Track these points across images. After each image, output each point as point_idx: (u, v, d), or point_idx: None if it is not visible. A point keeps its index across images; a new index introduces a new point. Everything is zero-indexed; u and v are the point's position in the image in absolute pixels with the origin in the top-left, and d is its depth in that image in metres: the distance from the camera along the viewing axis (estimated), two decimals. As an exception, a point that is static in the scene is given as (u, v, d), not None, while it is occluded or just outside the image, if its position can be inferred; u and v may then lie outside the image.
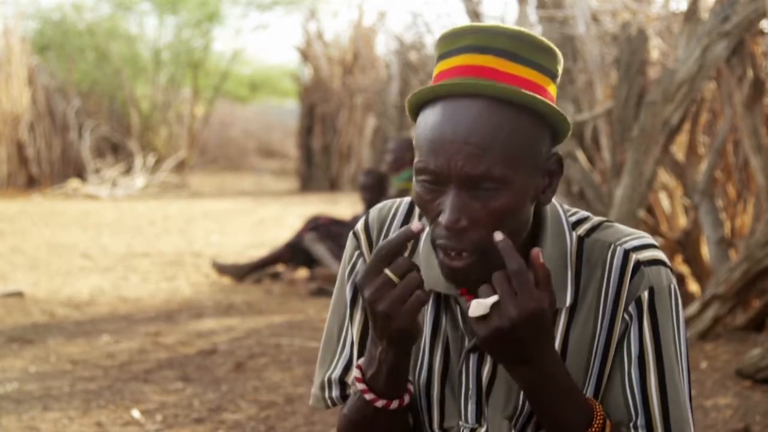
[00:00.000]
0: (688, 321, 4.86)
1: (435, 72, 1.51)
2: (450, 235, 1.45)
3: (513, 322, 1.41)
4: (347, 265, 1.68)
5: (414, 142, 1.49)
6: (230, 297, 6.82)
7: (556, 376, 1.46)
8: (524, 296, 1.41)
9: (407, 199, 1.68)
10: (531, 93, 1.44)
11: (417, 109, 1.51)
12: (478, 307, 1.43)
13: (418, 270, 1.46)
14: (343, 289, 1.68)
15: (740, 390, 4.13)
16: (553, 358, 1.46)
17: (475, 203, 1.44)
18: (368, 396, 1.52)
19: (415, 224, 1.45)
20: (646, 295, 1.54)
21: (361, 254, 1.66)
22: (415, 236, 1.46)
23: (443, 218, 1.44)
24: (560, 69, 1.51)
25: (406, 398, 1.55)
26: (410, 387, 1.56)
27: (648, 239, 1.58)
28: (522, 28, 1.48)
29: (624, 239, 1.56)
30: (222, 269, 7.52)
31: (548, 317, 1.43)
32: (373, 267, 1.45)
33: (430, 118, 1.46)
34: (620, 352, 1.54)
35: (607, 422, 1.50)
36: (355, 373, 1.55)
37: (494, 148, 1.42)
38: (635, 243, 1.56)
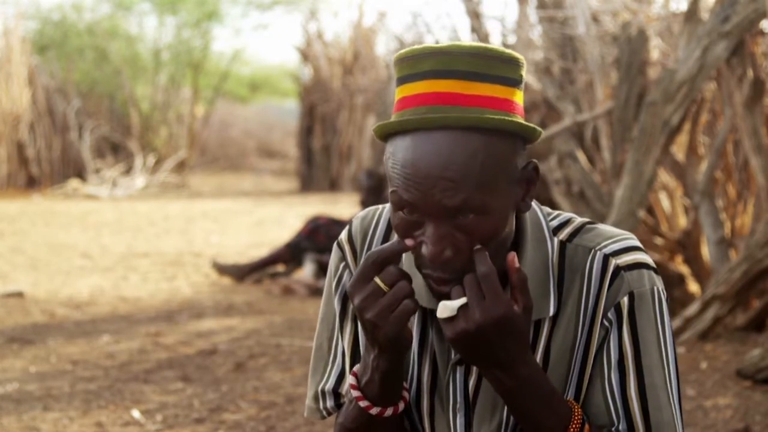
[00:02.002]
0: (688, 321, 4.86)
1: (398, 96, 1.48)
2: (435, 266, 1.45)
3: (478, 326, 1.40)
4: (333, 277, 1.67)
5: (387, 172, 1.48)
6: (230, 297, 6.82)
7: (533, 380, 1.45)
8: (492, 300, 1.40)
9: (389, 208, 1.66)
10: (499, 117, 1.42)
11: (386, 136, 1.49)
12: (445, 309, 1.43)
13: (409, 279, 1.46)
14: (331, 301, 1.68)
15: (740, 390, 4.13)
16: (528, 364, 1.44)
17: (457, 233, 1.44)
18: (363, 403, 1.52)
19: (409, 240, 1.45)
20: (626, 300, 1.51)
21: (346, 265, 1.66)
22: (407, 250, 1.46)
23: (426, 251, 1.44)
24: (524, 73, 1.50)
25: (401, 405, 1.54)
26: (405, 394, 1.56)
27: (631, 241, 1.55)
28: (479, 44, 1.46)
29: (605, 243, 1.54)
30: (222, 269, 7.53)
31: (520, 322, 1.42)
32: (362, 274, 1.45)
33: (400, 151, 1.45)
34: (600, 358, 1.53)
35: (586, 425, 1.49)
36: (350, 380, 1.54)
37: (469, 178, 1.41)
38: (616, 247, 1.54)
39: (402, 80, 1.48)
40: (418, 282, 1.56)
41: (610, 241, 1.54)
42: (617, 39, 5.77)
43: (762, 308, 4.99)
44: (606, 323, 1.52)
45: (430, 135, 1.42)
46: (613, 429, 1.51)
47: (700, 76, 4.97)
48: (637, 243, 1.56)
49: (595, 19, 6.27)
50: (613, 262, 1.52)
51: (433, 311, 1.56)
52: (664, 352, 1.53)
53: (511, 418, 1.54)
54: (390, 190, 1.46)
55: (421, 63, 1.45)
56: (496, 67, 1.44)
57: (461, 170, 1.41)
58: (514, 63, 1.46)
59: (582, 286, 1.53)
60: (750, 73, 4.90)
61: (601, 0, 6.35)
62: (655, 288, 1.53)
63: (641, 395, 1.51)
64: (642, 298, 1.52)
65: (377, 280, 1.44)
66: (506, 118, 1.43)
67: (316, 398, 1.68)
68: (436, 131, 1.42)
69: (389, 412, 1.53)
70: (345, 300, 1.66)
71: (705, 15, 5.05)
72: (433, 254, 1.43)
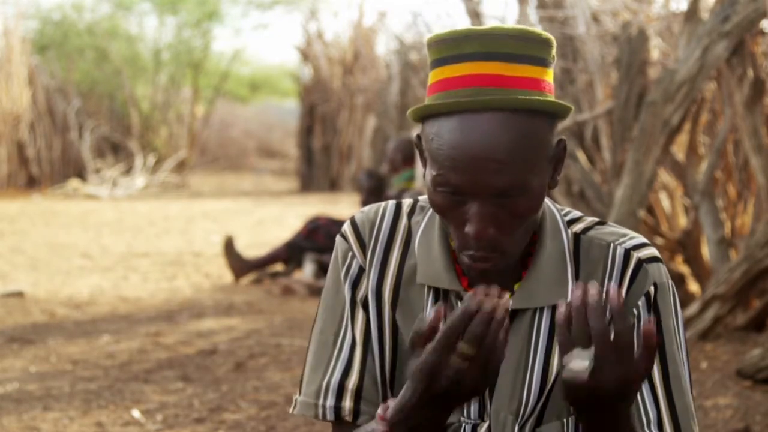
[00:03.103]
0: (689, 321, 4.86)
1: (436, 77, 1.50)
2: (479, 245, 1.48)
3: (604, 387, 1.37)
4: (341, 267, 1.65)
5: (429, 154, 1.49)
6: (230, 297, 6.82)
7: (624, 421, 1.45)
8: (626, 365, 1.37)
9: (392, 201, 1.69)
10: (544, 98, 1.47)
11: (424, 116, 1.52)
12: (580, 366, 1.37)
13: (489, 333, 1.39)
14: (340, 292, 1.65)
15: (740, 390, 4.13)
16: (629, 416, 1.45)
17: (500, 211, 1.48)
18: None
19: (435, 311, 1.42)
20: (652, 290, 1.57)
21: (354, 255, 1.65)
22: (473, 311, 1.39)
23: (471, 230, 1.47)
24: (554, 52, 1.55)
25: None
26: None
27: (642, 238, 1.62)
28: (518, 26, 1.50)
29: (622, 239, 1.60)
30: (230, 252, 7.40)
31: (639, 386, 1.40)
32: (445, 346, 1.38)
33: (446, 133, 1.47)
34: None
35: None
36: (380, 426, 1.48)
37: (516, 159, 1.45)
38: (634, 242, 1.60)
39: (442, 61, 1.50)
40: (436, 264, 1.58)
41: (626, 237, 1.61)
42: (617, 39, 5.77)
43: (762, 308, 4.99)
44: (635, 312, 1.57)
45: (479, 117, 1.46)
46: (645, 421, 1.55)
47: (700, 76, 4.96)
48: (649, 242, 1.62)
49: (595, 19, 6.27)
50: (635, 255, 1.58)
51: (447, 292, 1.59)
52: (679, 339, 1.59)
53: (530, 400, 1.56)
54: (434, 171, 1.48)
55: (464, 45, 1.48)
56: (533, 48, 1.49)
57: (509, 152, 1.45)
58: (548, 44, 1.52)
59: (603, 278, 1.58)
60: (750, 73, 4.90)
61: (601, 0, 6.35)
62: (669, 281, 1.60)
63: (665, 382, 1.56)
64: (663, 289, 1.58)
65: (463, 349, 1.38)
66: (550, 99, 1.48)
67: (317, 394, 1.62)
68: (484, 113, 1.46)
69: None
70: (354, 288, 1.64)
71: (705, 15, 5.05)
72: (477, 232, 1.46)
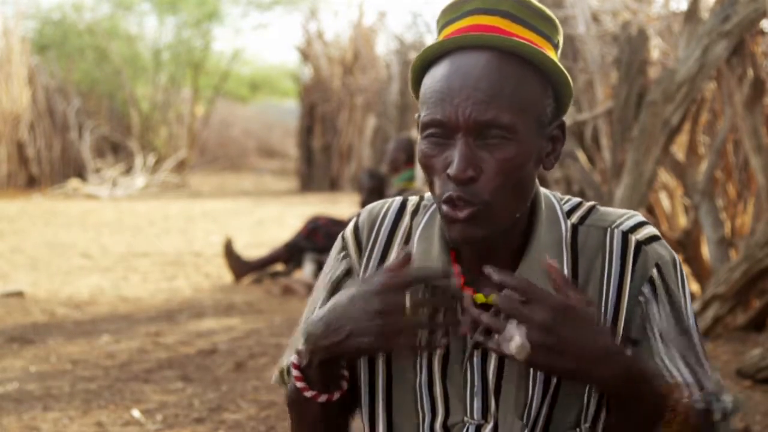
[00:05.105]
0: (688, 321, 4.86)
1: (439, 38, 1.52)
2: (458, 186, 1.46)
3: (546, 327, 1.40)
4: (329, 267, 1.69)
5: (420, 101, 1.51)
6: (230, 297, 6.82)
7: (634, 364, 1.44)
8: (538, 300, 1.41)
9: (399, 199, 1.68)
10: (537, 47, 1.47)
11: (422, 73, 1.53)
12: (521, 349, 1.40)
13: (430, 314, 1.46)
14: (319, 289, 1.69)
15: (740, 390, 4.12)
16: (622, 352, 1.44)
17: (482, 153, 1.46)
18: (300, 384, 1.57)
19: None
20: (655, 272, 1.55)
21: (346, 256, 1.66)
22: (450, 276, 1.47)
23: (451, 169, 1.45)
24: (560, 40, 1.54)
25: (336, 395, 1.57)
26: (343, 384, 1.58)
27: (639, 217, 1.59)
28: None
29: (618, 221, 1.58)
30: (230, 253, 7.42)
31: (583, 311, 1.42)
32: (401, 284, 1.47)
33: (437, 72, 1.49)
34: (645, 334, 1.54)
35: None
36: (292, 358, 1.59)
37: (502, 96, 1.44)
38: (630, 223, 1.57)
39: (445, 24, 1.53)
40: (434, 261, 1.57)
41: (622, 218, 1.58)
42: (617, 39, 5.77)
43: (762, 308, 4.99)
44: (641, 299, 1.55)
45: (468, 54, 1.47)
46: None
47: (700, 75, 4.97)
48: (645, 219, 1.60)
49: (595, 18, 6.27)
50: (633, 238, 1.56)
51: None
52: (692, 314, 1.57)
53: (535, 402, 1.53)
54: (423, 114, 1.49)
55: (466, 4, 1.51)
56: (536, 19, 1.50)
57: (494, 87, 1.45)
58: (553, 24, 1.52)
59: (603, 265, 1.56)
60: (750, 72, 4.90)
61: (601, 0, 6.35)
62: (673, 256, 1.58)
63: (685, 357, 1.52)
64: (666, 267, 1.56)
65: (408, 298, 1.45)
66: (544, 52, 1.47)
67: (281, 373, 1.73)
68: (474, 51, 1.47)
69: (323, 398, 1.56)
70: (333, 290, 1.66)
71: (705, 15, 5.05)
72: (458, 170, 1.44)
